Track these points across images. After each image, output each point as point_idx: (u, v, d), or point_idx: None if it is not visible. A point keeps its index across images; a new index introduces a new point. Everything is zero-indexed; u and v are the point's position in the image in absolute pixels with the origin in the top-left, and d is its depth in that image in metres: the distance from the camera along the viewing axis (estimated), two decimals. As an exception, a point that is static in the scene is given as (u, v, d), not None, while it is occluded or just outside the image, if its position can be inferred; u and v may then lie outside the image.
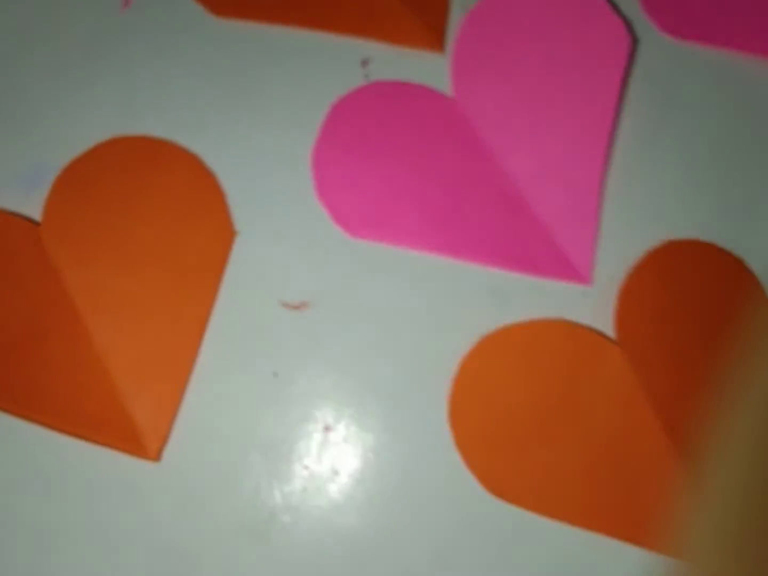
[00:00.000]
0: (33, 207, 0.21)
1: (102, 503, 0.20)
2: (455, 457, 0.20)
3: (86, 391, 0.20)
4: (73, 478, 0.20)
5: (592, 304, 0.21)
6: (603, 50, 0.21)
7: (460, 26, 0.23)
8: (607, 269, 0.21)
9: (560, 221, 0.21)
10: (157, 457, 0.20)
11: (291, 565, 0.20)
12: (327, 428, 0.20)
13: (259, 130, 0.22)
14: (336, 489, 0.20)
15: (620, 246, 0.21)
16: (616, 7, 0.22)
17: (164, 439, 0.20)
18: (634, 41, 0.22)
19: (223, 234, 0.21)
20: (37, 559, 0.20)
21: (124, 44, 0.23)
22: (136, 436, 0.20)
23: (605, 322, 0.21)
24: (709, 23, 0.24)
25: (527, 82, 0.22)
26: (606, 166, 0.21)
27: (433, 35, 0.23)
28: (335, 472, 0.20)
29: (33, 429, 0.20)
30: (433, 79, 0.23)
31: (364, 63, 0.23)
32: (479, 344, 0.20)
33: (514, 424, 0.20)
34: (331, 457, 0.20)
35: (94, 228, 0.21)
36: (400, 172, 0.22)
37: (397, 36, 0.23)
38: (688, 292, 0.21)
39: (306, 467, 0.20)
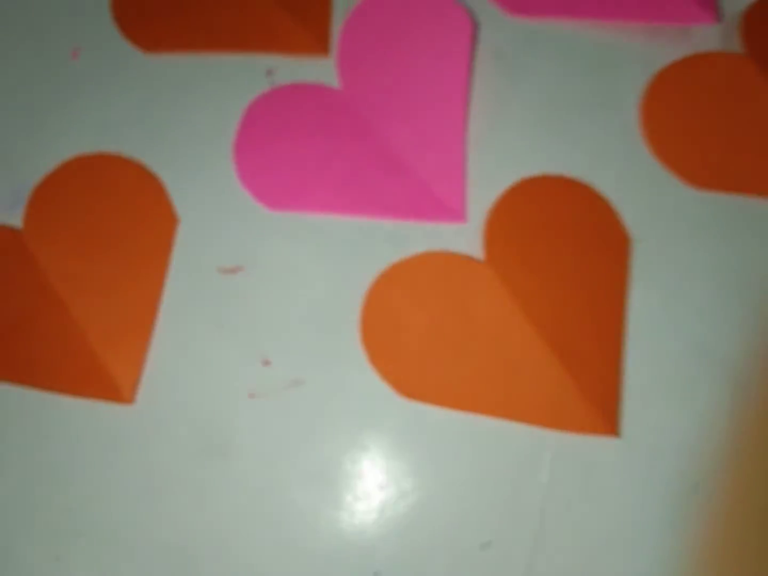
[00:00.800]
0: (15, 218, 0.27)
1: (88, 443, 0.25)
2: (371, 372, 0.25)
3: (70, 357, 0.25)
4: (65, 427, 0.25)
5: (468, 237, 0.26)
6: (450, 36, 0.27)
7: (340, 33, 0.28)
8: (477, 208, 0.26)
9: (434, 175, 0.26)
10: (131, 400, 0.25)
11: (245, 474, 0.24)
12: (266, 362, 0.25)
13: (190, 136, 0.28)
14: (275, 409, 0.25)
15: (485, 188, 0.26)
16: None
17: (135, 386, 0.25)
18: (476, 25, 0.27)
19: (168, 222, 0.27)
20: (39, 494, 0.24)
21: (78, 84, 0.29)
22: (114, 387, 0.25)
23: (478, 250, 0.26)
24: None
25: (396, 70, 0.27)
26: (466, 126, 0.27)
27: (319, 44, 0.28)
28: (278, 397, 0.25)
29: (29, 393, 0.25)
30: (324, 78, 0.28)
31: (269, 73, 0.28)
32: (378, 279, 0.25)
33: (415, 338, 0.25)
34: (273, 387, 0.25)
35: (65, 229, 0.26)
36: (305, 154, 0.27)
37: (292, 47, 0.28)
38: (544, 216, 0.26)
39: (252, 395, 0.25)
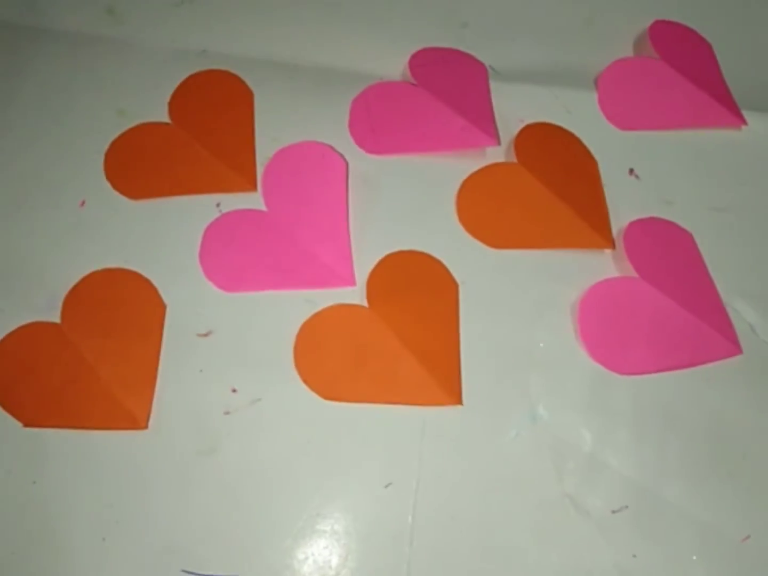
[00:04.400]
0: (54, 317, 0.40)
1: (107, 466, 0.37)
2: (302, 385, 0.38)
3: (97, 402, 0.38)
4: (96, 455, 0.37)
5: (357, 293, 0.40)
6: (332, 171, 0.43)
7: (263, 175, 0.43)
8: (360, 274, 0.41)
9: (331, 257, 0.41)
10: (146, 426, 0.37)
11: (228, 469, 0.37)
12: (233, 390, 0.38)
13: (168, 250, 0.42)
14: (243, 420, 0.38)
15: (365, 262, 0.41)
16: (334, 149, 0.43)
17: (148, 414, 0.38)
18: (346, 163, 0.43)
19: (159, 307, 0.40)
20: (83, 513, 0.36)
21: (88, 222, 0.43)
22: (131, 419, 0.37)
23: (364, 301, 0.40)
24: (402, 139, 0.45)
25: (300, 195, 0.43)
26: (348, 226, 0.42)
27: (249, 183, 0.43)
28: (245, 412, 0.38)
29: (73, 433, 0.38)
30: (255, 205, 0.43)
31: (218, 205, 0.43)
32: (303, 325, 0.39)
33: (331, 359, 0.39)
34: (239, 406, 0.38)
35: (91, 319, 0.40)
36: (248, 255, 0.41)
37: (231, 187, 0.43)
38: (405, 275, 0.41)
39: (227, 412, 0.38)
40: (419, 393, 0.38)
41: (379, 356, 0.39)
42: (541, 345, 0.40)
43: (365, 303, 0.40)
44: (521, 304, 0.41)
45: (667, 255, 0.43)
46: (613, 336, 0.40)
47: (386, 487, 0.37)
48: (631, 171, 0.46)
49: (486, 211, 0.43)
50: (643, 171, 0.46)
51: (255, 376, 0.39)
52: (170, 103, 0.46)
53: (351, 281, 0.41)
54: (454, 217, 0.43)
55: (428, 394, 0.38)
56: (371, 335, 0.39)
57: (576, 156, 0.46)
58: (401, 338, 0.39)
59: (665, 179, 0.46)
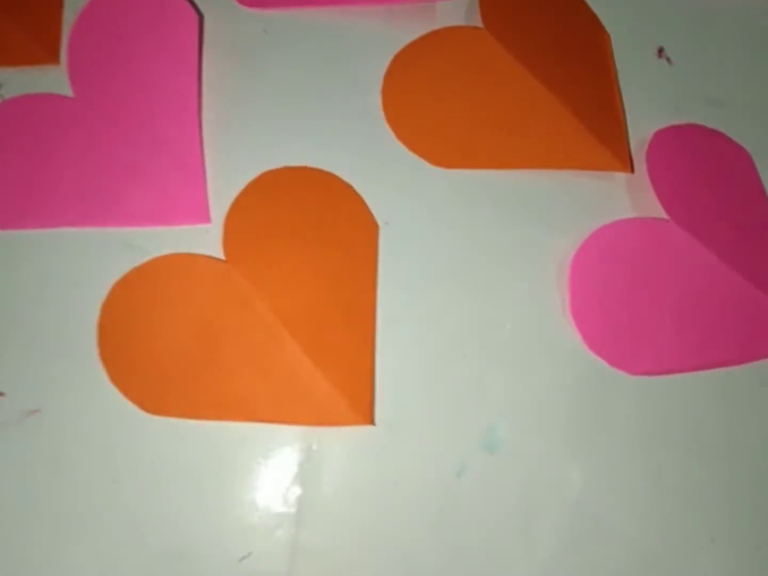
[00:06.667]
0: None
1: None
2: (113, 391, 0.23)
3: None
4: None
5: (212, 237, 0.25)
6: (176, 31, 0.26)
7: (68, 39, 0.27)
8: (221, 207, 0.25)
9: (174, 178, 0.25)
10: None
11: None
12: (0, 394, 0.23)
13: None
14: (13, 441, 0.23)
15: (229, 186, 0.25)
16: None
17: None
18: (202, 18, 0.27)
19: None
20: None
21: None
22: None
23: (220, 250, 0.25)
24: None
25: (127, 74, 0.26)
26: (200, 126, 0.26)
27: (49, 53, 0.27)
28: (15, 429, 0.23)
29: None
30: (57, 88, 0.26)
31: (-1, 87, 0.27)
32: (113, 288, 0.24)
33: (157, 350, 0.23)
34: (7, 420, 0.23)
35: None
36: (34, 168, 0.25)
37: (21, 59, 0.27)
38: (286, 209, 0.25)
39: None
40: (303, 405, 0.23)
41: (243, 345, 0.23)
42: (508, 327, 0.25)
43: (221, 254, 0.24)
44: (478, 259, 0.26)
45: (711, 184, 0.27)
46: (622, 313, 0.25)
47: (242, 560, 0.22)
48: (661, 51, 0.29)
49: (431, 107, 0.27)
50: (677, 52, 0.30)
51: (33, 373, 0.24)
52: None
53: (203, 215, 0.25)
54: (379, 114, 0.27)
55: (319, 408, 0.23)
56: (229, 307, 0.24)
57: (577, 25, 0.29)
58: (278, 312, 0.24)
59: (711, 67, 0.30)
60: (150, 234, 0.25)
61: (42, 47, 0.27)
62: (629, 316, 0.25)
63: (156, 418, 0.23)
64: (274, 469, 0.23)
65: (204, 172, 0.25)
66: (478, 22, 0.28)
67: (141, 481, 0.23)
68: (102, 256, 0.25)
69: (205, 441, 0.23)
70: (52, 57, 0.27)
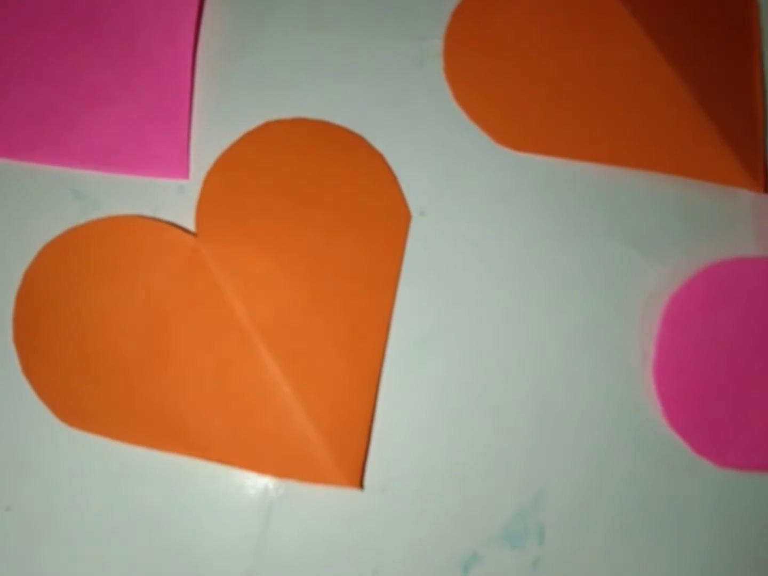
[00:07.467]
0: None
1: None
2: (27, 387, 0.17)
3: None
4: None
5: (188, 201, 0.18)
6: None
7: None
8: (202, 165, 0.19)
9: (149, 113, 0.19)
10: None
11: None
12: None
13: None
14: None
15: (216, 135, 0.19)
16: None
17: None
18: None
19: None
20: None
21: None
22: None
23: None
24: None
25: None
26: (194, 54, 0.19)
27: None
28: None
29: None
30: None
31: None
32: (41, 252, 0.18)
33: (90, 342, 0.17)
34: None
35: None
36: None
37: None
38: (283, 176, 0.18)
39: None
40: (272, 449, 0.17)
41: (198, 350, 0.17)
42: (562, 376, 0.18)
43: (192, 225, 0.18)
44: (538, 277, 0.19)
45: None
46: (723, 385, 0.18)
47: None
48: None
49: (508, 66, 0.20)
50: None
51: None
52: None
53: (179, 167, 0.19)
54: (437, 64, 0.20)
55: (291, 456, 0.17)
56: (190, 299, 0.17)
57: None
58: (254, 317, 0.17)
59: None
60: (105, 182, 0.19)
61: None
62: (730, 390, 0.18)
63: (73, 431, 0.17)
64: (220, 522, 0.17)
65: (190, 109, 0.19)
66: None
67: (39, 515, 0.17)
68: (37, 203, 0.18)
69: (132, 468, 0.17)
70: None
